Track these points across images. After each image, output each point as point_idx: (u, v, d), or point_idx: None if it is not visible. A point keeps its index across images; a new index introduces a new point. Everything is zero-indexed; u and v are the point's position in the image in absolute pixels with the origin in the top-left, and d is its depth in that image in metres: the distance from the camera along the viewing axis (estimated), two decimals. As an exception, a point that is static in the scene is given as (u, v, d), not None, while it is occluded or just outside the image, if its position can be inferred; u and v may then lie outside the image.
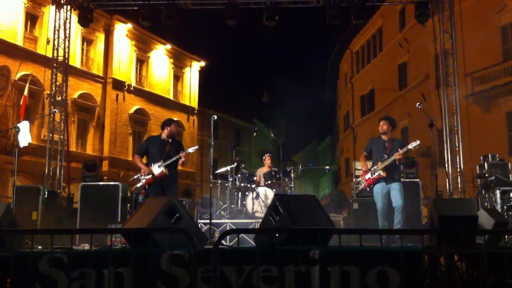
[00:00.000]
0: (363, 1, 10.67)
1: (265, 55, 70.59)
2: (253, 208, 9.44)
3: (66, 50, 11.53)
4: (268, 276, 4.20)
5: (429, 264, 4.71)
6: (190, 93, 30.43)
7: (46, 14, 20.78)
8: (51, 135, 11.12)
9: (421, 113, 8.48)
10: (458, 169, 10.15)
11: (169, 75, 29.09)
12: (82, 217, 8.44)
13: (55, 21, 11.62)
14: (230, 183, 10.21)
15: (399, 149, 7.00)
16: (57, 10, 11.65)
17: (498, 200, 8.09)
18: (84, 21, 11.26)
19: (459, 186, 10.04)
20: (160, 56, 28.36)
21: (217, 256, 3.63)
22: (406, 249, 4.32)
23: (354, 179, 9.28)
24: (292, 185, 10.24)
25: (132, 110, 25.85)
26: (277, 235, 4.81)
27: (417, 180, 8.48)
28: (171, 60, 29.22)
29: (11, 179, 13.03)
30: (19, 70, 19.14)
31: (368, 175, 7.30)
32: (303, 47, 67.67)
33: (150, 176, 7.19)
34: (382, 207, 7.10)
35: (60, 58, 11.47)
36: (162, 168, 7.15)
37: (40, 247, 5.29)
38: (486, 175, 8.64)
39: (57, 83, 11.43)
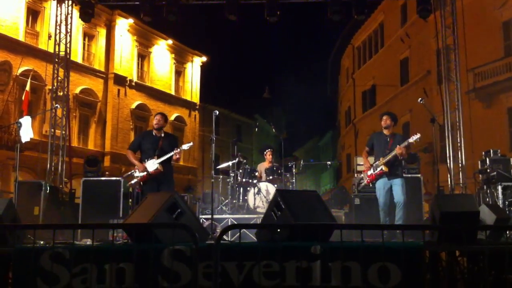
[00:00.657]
0: (364, -4, 10.65)
1: (266, 50, 70.60)
2: (254, 204, 9.42)
3: (68, 45, 11.54)
4: (270, 272, 4.20)
5: (430, 259, 4.71)
6: (192, 88, 30.42)
7: (47, 9, 20.77)
8: (52, 130, 11.14)
9: (423, 108, 8.45)
10: (460, 165, 10.16)
11: (171, 70, 29.06)
12: (84, 212, 8.47)
13: (56, 16, 11.62)
14: (232, 178, 10.20)
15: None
16: (58, 5, 11.65)
17: (500, 196, 8.07)
18: (85, 16, 11.25)
19: (461, 182, 10.05)
20: (162, 51, 28.34)
21: (218, 251, 3.63)
22: (407, 244, 4.33)
23: (356, 175, 9.25)
24: (294, 180, 10.21)
25: (133, 106, 25.85)
26: (278, 230, 4.82)
27: (419, 175, 8.46)
28: (173, 56, 29.20)
29: (13, 175, 13.09)
30: (21, 66, 19.16)
31: (370, 171, 7.29)
32: (305, 42, 67.59)
33: (145, 173, 7.07)
34: (384, 203, 7.08)
35: (62, 53, 11.47)
36: (156, 165, 7.02)
37: (42, 242, 5.32)
38: (488, 170, 8.62)
39: (59, 78, 11.43)
